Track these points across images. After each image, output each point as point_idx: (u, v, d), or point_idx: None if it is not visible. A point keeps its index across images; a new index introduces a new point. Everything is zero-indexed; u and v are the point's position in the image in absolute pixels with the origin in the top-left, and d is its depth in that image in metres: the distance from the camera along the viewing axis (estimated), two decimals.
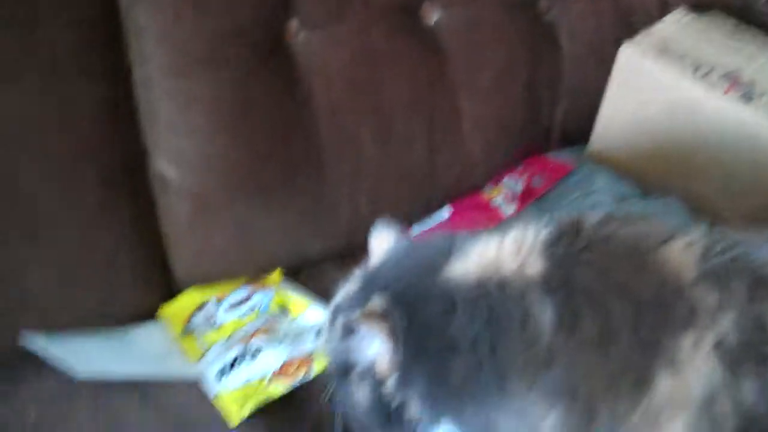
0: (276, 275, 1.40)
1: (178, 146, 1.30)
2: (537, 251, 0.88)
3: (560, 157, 1.60)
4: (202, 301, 1.34)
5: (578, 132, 1.64)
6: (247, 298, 1.34)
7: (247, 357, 1.21)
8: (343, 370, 0.95)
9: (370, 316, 0.89)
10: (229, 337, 1.27)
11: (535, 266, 0.87)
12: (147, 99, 1.29)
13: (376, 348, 0.91)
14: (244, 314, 1.31)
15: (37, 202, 1.21)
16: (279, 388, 1.18)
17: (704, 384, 0.79)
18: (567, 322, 0.84)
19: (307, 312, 1.32)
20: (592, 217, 0.91)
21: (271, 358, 1.21)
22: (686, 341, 0.80)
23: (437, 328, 0.89)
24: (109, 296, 1.30)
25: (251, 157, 1.34)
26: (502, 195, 1.52)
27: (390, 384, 0.91)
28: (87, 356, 1.18)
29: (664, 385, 0.81)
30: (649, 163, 1.52)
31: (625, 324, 0.83)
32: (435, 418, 0.93)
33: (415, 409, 0.92)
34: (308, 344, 1.25)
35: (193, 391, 1.19)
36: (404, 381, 0.91)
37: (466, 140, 1.55)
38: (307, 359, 1.21)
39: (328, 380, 0.99)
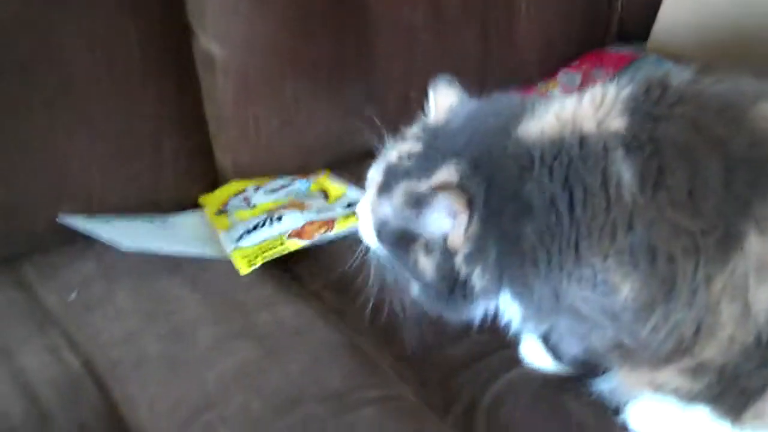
0: (322, 175, 1.35)
1: (225, 24, 1.24)
2: (619, 107, 0.82)
3: (620, 51, 1.51)
4: (240, 190, 1.30)
5: (637, 26, 1.55)
6: (288, 185, 1.30)
7: (268, 222, 1.18)
8: (401, 238, 0.89)
9: (448, 189, 0.83)
10: (261, 213, 1.24)
11: (618, 122, 0.81)
12: None
13: (449, 222, 0.85)
14: (282, 197, 1.27)
15: (79, 76, 1.15)
16: (296, 243, 1.15)
17: None
18: (653, 178, 0.78)
19: (344, 197, 1.28)
20: (681, 74, 0.84)
21: (291, 220, 1.18)
22: None
23: (513, 190, 0.83)
24: (152, 184, 1.25)
25: (300, 38, 1.27)
26: (558, 89, 1.45)
27: (461, 256, 0.86)
28: (129, 233, 1.14)
29: (753, 247, 0.76)
30: (712, 56, 1.44)
31: (716, 180, 0.77)
32: (499, 289, 0.89)
33: (482, 280, 0.87)
34: (335, 211, 1.22)
35: (234, 272, 1.15)
36: (476, 252, 0.86)
37: (520, 32, 1.47)
38: (329, 221, 1.17)
39: (361, 245, 0.96)
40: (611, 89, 0.84)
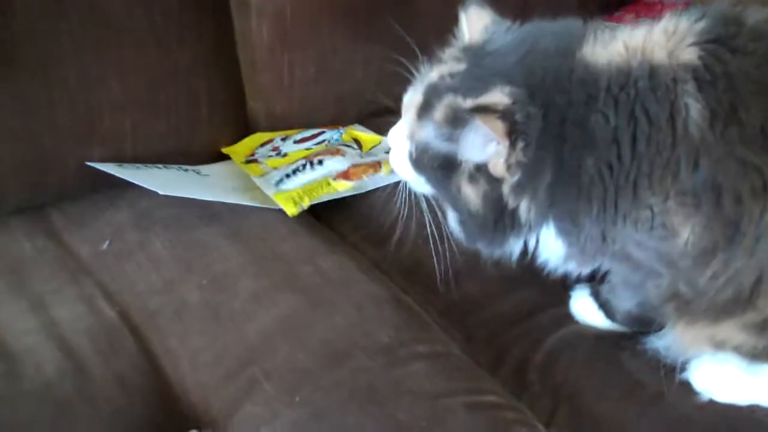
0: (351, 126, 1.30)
1: None
2: (692, 39, 0.78)
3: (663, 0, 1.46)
4: (267, 140, 1.26)
5: None
6: (316, 135, 1.25)
7: (309, 166, 1.14)
8: (443, 163, 0.85)
9: (490, 113, 0.79)
10: (295, 161, 1.19)
11: (691, 53, 0.77)
12: None
13: (490, 148, 0.80)
14: (312, 146, 1.23)
15: (113, 15, 1.10)
16: (344, 184, 1.11)
17: None
18: (724, 113, 0.74)
19: (380, 146, 1.23)
20: (757, 13, 0.80)
21: (337, 164, 1.15)
22: None
23: (577, 119, 0.78)
24: (185, 133, 1.20)
25: None
26: None
27: (509, 185, 0.82)
28: (164, 180, 1.09)
29: None
30: None
31: None
32: (543, 223, 0.85)
33: (529, 212, 0.83)
34: (378, 156, 1.18)
35: (274, 222, 1.11)
36: (527, 182, 0.81)
37: None
38: (375, 163, 1.14)
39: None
40: (684, 20, 0.80)
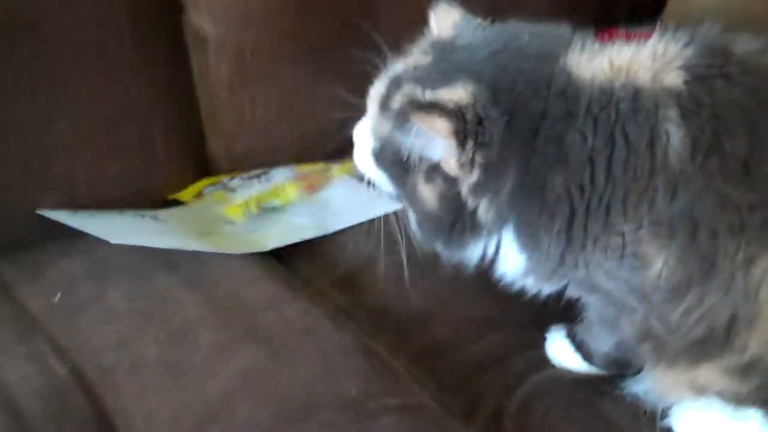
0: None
1: None
2: (678, 64, 0.75)
3: (635, 30, 1.44)
4: (214, 181, 1.21)
5: (646, 8, 1.48)
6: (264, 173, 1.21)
7: (256, 181, 1.16)
8: (400, 160, 0.82)
9: (436, 108, 0.76)
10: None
11: (675, 78, 0.74)
12: None
13: (441, 146, 0.77)
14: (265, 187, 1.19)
15: (64, 51, 1.05)
16: (296, 185, 1.12)
17: None
18: (707, 144, 0.72)
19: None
20: (747, 44, 0.77)
21: (283, 173, 1.17)
22: None
23: (549, 135, 0.75)
24: (141, 176, 1.15)
25: (298, 12, 1.17)
26: None
27: (467, 185, 0.79)
28: (118, 227, 1.04)
29: None
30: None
31: None
32: (506, 227, 0.82)
33: (487, 214, 0.80)
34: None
35: (235, 268, 1.06)
36: (488, 184, 0.78)
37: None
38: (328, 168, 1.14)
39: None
40: (672, 44, 0.77)
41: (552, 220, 0.77)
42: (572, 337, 0.97)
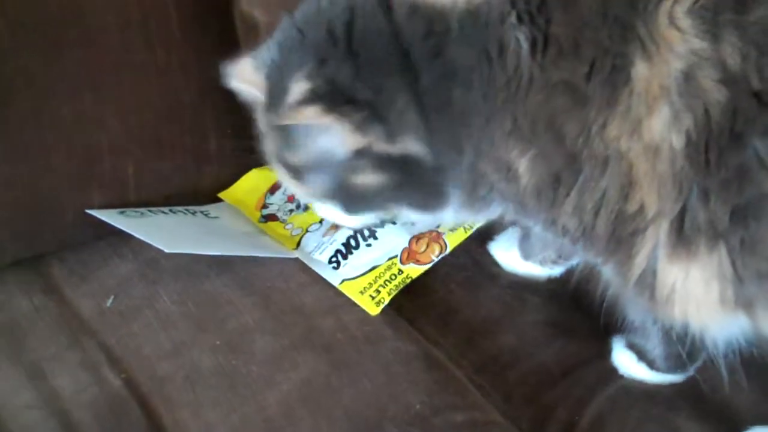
0: None
1: None
2: None
3: None
4: (273, 183, 1.13)
5: None
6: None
7: (361, 239, 1.02)
8: (331, 184, 0.83)
9: (298, 107, 0.76)
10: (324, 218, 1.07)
11: None
12: None
13: (332, 134, 0.77)
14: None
15: (112, 48, 1.01)
16: (416, 269, 1.00)
17: (683, 59, 0.67)
18: (541, 37, 0.71)
19: None
20: None
21: (393, 237, 1.03)
22: (661, 17, 0.68)
23: (432, 55, 0.75)
24: (194, 169, 1.11)
25: None
26: None
27: (378, 144, 0.78)
28: (170, 232, 1.00)
29: (640, 74, 0.68)
30: None
31: (595, 13, 0.69)
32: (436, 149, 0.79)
33: (418, 143, 0.78)
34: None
35: (290, 270, 1.02)
36: (393, 123, 0.77)
37: None
38: (436, 234, 1.03)
39: None
40: None
41: (469, 128, 0.76)
42: (631, 345, 0.93)
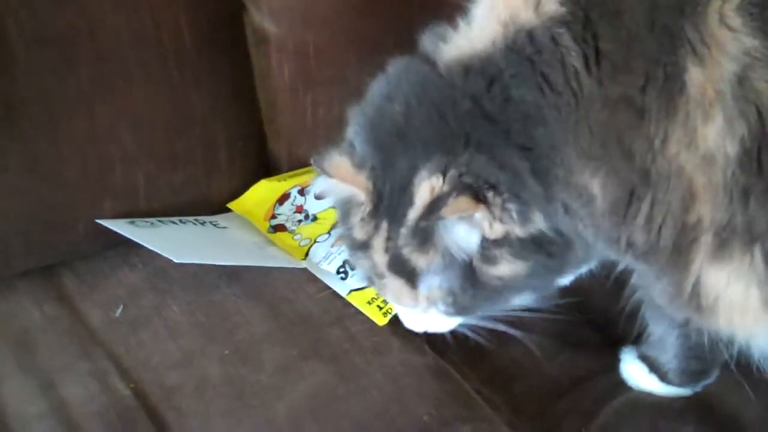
0: None
1: None
2: None
3: None
4: (282, 193, 1.14)
5: None
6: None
7: None
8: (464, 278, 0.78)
9: (444, 199, 0.73)
10: (333, 228, 1.08)
11: (552, 4, 0.71)
12: None
13: (473, 225, 0.74)
14: None
15: (125, 61, 1.02)
16: None
17: (736, 60, 0.65)
18: (592, 52, 0.70)
19: None
20: None
21: None
22: (711, 17, 0.66)
23: (491, 112, 0.73)
24: (203, 182, 1.12)
25: (363, 14, 1.13)
26: None
27: (519, 223, 0.75)
28: (179, 242, 1.01)
29: (695, 79, 0.66)
30: None
31: (642, 23, 0.68)
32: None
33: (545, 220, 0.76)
34: None
35: (299, 280, 1.03)
36: (524, 203, 0.74)
37: None
38: None
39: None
40: None
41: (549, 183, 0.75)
42: (644, 357, 0.93)
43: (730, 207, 0.69)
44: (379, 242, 0.79)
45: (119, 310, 0.97)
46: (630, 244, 0.75)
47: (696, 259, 0.73)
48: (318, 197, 1.09)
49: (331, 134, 1.18)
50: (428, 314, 0.83)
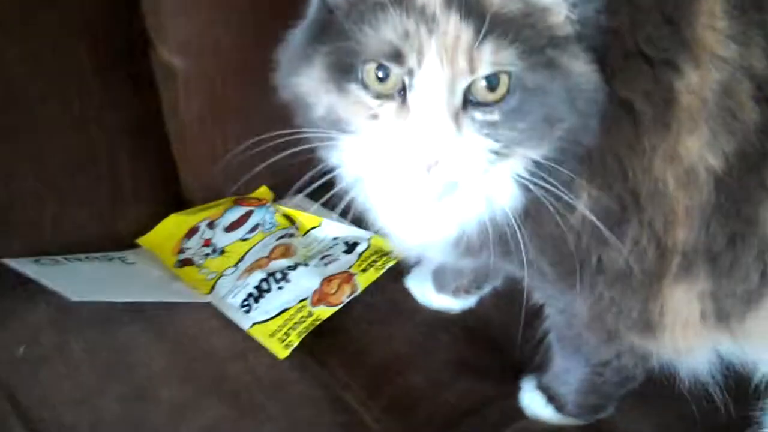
0: (264, 191, 1.19)
1: (185, 31, 1.09)
2: None
3: None
4: (190, 227, 1.14)
5: None
6: (245, 217, 1.15)
7: (273, 282, 1.04)
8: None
9: None
10: (239, 261, 1.09)
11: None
12: None
13: None
14: (248, 235, 1.12)
15: (28, 101, 1.02)
16: (326, 310, 1.01)
17: (722, 67, 0.64)
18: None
19: (323, 227, 1.13)
20: None
21: (304, 279, 1.04)
22: (701, 16, 0.65)
23: None
24: (111, 219, 1.11)
25: (270, 47, 1.13)
26: None
27: None
28: (82, 280, 1.01)
29: (687, 83, 0.64)
30: None
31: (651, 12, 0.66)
32: None
33: None
34: (341, 259, 1.08)
35: (203, 315, 1.03)
36: None
37: None
38: (347, 276, 1.04)
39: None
40: None
41: None
42: (544, 388, 0.94)
43: (702, 229, 0.68)
44: None
45: (21, 349, 0.97)
46: (603, 267, 0.72)
47: (665, 282, 0.72)
48: None
49: (243, 165, 1.19)
50: (461, 137, 0.63)
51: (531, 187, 0.65)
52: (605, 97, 0.64)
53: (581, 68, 0.64)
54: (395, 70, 0.63)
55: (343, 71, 0.65)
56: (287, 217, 1.15)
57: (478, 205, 0.70)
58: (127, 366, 0.96)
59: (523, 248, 0.68)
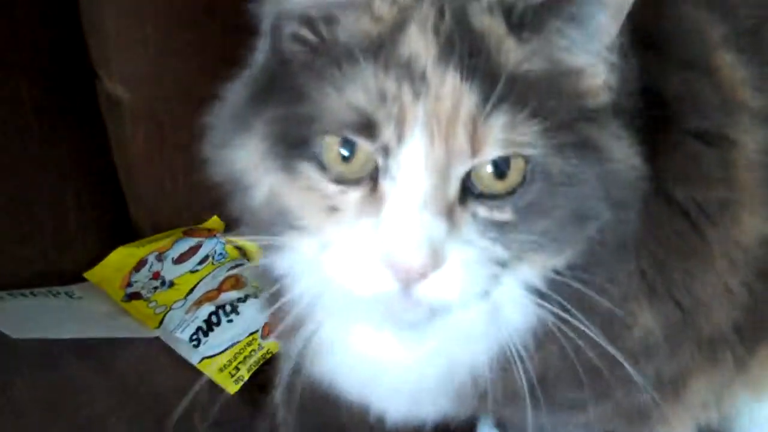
0: (215, 221, 1.18)
1: (129, 63, 1.10)
2: None
3: None
4: (138, 260, 1.13)
5: None
6: (195, 249, 1.13)
7: (223, 315, 1.03)
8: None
9: None
10: (189, 293, 1.08)
11: None
12: (91, 10, 1.08)
13: None
14: (197, 267, 1.11)
15: None
16: (276, 343, 0.99)
17: (759, 123, 0.58)
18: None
19: None
20: None
21: (254, 312, 1.03)
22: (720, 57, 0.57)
23: None
24: (55, 250, 1.10)
25: (216, 79, 1.13)
26: None
27: None
28: (26, 317, 0.99)
29: (747, 154, 0.56)
30: None
31: None
32: None
33: None
34: None
35: (152, 350, 1.02)
36: None
37: None
38: None
39: None
40: None
41: None
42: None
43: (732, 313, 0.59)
44: (421, 19, 0.49)
45: None
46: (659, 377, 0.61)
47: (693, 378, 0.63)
48: None
49: (192, 197, 1.18)
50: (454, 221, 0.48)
51: (547, 305, 0.51)
52: (649, 187, 0.52)
53: (623, 152, 0.50)
54: (365, 147, 0.48)
55: (293, 145, 0.51)
56: (238, 248, 1.14)
57: (475, 334, 0.54)
58: (73, 406, 0.94)
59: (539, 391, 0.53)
